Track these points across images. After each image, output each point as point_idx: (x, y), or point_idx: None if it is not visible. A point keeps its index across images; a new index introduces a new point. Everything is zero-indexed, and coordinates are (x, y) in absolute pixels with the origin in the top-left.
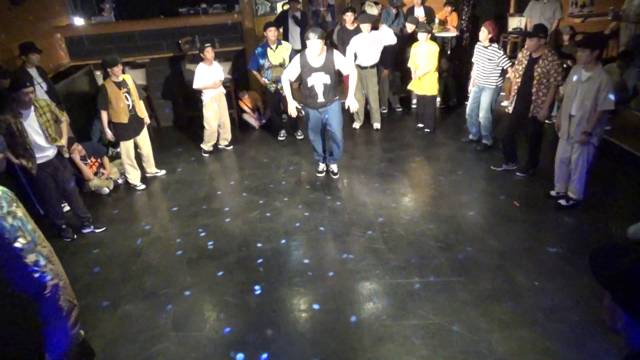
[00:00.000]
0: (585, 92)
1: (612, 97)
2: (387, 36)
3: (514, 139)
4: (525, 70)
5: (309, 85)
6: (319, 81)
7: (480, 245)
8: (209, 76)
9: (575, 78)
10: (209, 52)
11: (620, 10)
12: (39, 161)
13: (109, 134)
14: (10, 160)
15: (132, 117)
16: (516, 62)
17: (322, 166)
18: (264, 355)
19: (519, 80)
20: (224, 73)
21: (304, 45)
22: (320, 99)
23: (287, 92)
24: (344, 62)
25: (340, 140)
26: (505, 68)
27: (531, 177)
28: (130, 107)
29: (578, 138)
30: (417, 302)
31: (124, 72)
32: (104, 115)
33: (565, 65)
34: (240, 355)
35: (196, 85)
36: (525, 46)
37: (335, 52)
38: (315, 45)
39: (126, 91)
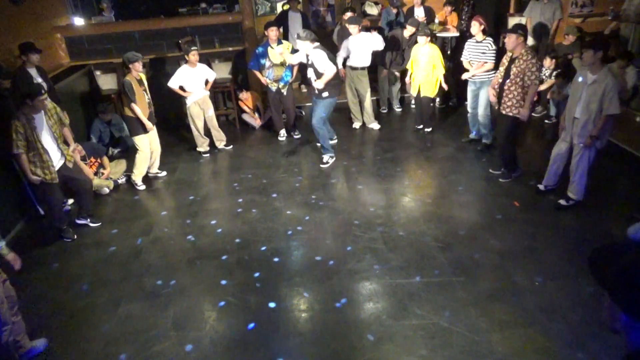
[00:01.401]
0: (590, 95)
1: (617, 101)
2: (376, 42)
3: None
4: (506, 71)
5: (308, 75)
6: (312, 74)
7: (480, 245)
8: (191, 78)
9: (580, 80)
10: (193, 55)
11: (620, 11)
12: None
13: (149, 124)
14: (27, 176)
15: (150, 113)
16: (500, 63)
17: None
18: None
19: (500, 81)
20: (215, 73)
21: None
22: (314, 86)
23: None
24: (320, 61)
25: (317, 131)
26: (489, 62)
27: (517, 179)
28: (149, 102)
29: (582, 141)
30: (417, 302)
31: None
32: (136, 108)
33: (552, 65)
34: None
35: (171, 83)
36: (505, 43)
37: (316, 52)
38: (301, 46)
39: (144, 89)
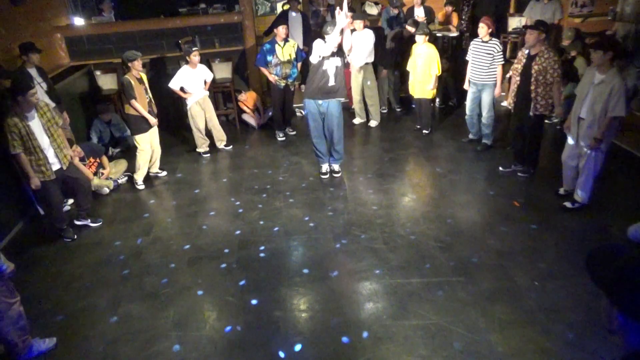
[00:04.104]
0: (596, 95)
1: (623, 103)
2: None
3: (523, 138)
4: (524, 69)
5: (323, 68)
6: (332, 64)
7: (480, 245)
8: (191, 79)
9: (587, 80)
10: (195, 56)
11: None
12: None
13: (152, 118)
14: (29, 177)
15: (150, 111)
16: (515, 60)
17: (325, 167)
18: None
19: (518, 78)
20: (212, 74)
21: (305, 45)
22: (331, 82)
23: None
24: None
25: (340, 139)
26: (497, 65)
27: (532, 177)
28: (149, 100)
29: (587, 142)
30: (417, 302)
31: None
32: (136, 104)
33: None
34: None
35: (172, 84)
36: (525, 39)
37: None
38: (334, 39)
39: (144, 88)
